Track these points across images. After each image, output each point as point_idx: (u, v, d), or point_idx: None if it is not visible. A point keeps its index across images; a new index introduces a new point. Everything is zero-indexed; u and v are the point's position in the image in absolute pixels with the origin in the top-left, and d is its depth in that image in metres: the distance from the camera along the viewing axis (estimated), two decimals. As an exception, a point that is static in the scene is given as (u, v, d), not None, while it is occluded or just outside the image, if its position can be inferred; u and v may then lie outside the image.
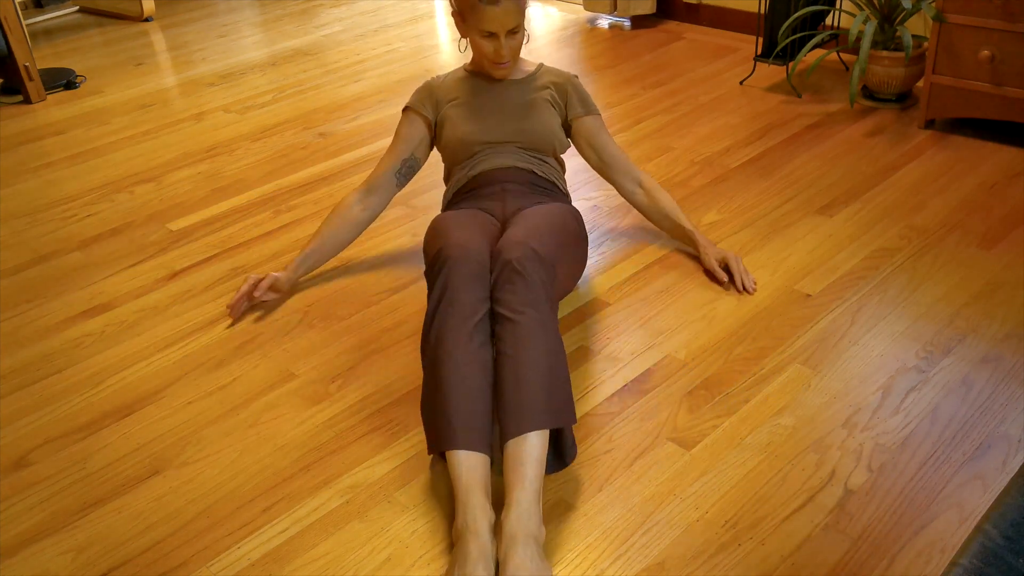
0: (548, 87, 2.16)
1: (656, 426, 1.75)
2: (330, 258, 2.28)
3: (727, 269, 2.19)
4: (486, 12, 1.96)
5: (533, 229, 1.84)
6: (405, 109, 2.21)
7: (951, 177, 2.58)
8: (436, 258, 1.75)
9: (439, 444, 1.56)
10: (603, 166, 2.24)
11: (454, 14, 2.07)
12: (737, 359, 1.92)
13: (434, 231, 1.93)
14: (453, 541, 1.48)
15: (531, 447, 1.52)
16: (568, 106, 2.18)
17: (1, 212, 2.80)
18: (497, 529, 1.46)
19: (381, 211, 2.28)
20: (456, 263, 1.71)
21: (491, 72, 2.10)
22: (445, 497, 1.62)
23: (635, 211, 2.51)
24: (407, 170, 2.24)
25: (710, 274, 2.21)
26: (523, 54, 3.76)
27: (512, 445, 1.53)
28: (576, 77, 2.21)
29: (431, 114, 2.18)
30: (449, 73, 2.22)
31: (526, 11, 2.13)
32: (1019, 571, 0.88)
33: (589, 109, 2.19)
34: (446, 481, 1.66)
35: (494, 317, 1.69)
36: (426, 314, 1.71)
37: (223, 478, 1.70)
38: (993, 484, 1.57)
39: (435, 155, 2.83)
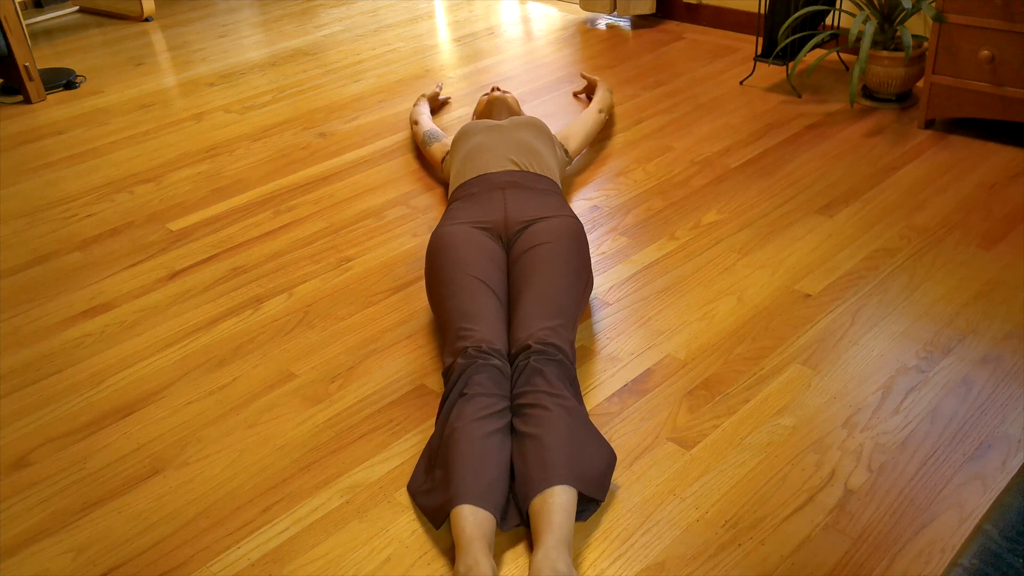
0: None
1: (656, 426, 1.75)
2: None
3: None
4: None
5: (548, 301, 1.81)
6: None
7: (951, 177, 2.59)
8: (455, 361, 1.71)
9: (446, 506, 1.49)
10: (575, 140, 2.70)
11: None
12: (737, 359, 1.92)
13: (441, 272, 1.90)
14: None
15: (557, 498, 1.45)
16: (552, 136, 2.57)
17: (1, 212, 2.80)
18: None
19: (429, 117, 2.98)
20: (478, 368, 1.67)
21: (488, 113, 2.65)
22: (445, 497, 1.61)
23: (635, 211, 2.51)
24: (436, 132, 2.82)
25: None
26: (524, 57, 3.77)
27: (537, 501, 1.47)
28: None
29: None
30: None
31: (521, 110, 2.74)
32: (1019, 571, 0.88)
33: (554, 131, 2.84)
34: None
35: (515, 410, 1.65)
36: (441, 408, 1.68)
37: (223, 478, 1.70)
38: (993, 484, 1.57)
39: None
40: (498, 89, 2.74)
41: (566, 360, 1.71)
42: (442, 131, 2.86)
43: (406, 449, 1.74)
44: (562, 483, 1.47)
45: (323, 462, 1.72)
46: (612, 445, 1.70)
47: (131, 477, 1.72)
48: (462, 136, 2.41)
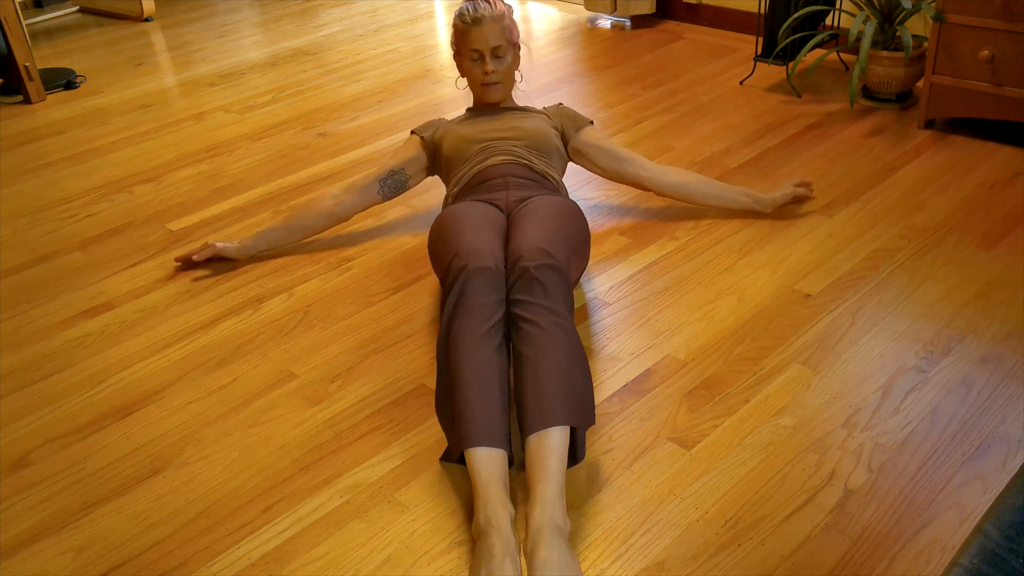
0: (542, 113, 2.34)
1: (656, 426, 1.75)
2: (288, 241, 2.40)
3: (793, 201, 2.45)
4: (471, 33, 2.18)
5: (544, 228, 1.86)
6: (411, 133, 2.39)
7: (951, 177, 2.59)
8: (450, 265, 1.76)
9: (459, 444, 1.57)
10: (621, 164, 2.35)
11: (455, 56, 2.29)
12: (737, 359, 1.92)
13: (443, 228, 1.94)
14: (474, 537, 1.49)
15: (553, 441, 1.54)
16: (564, 128, 2.33)
17: (1, 212, 2.80)
18: (523, 523, 1.51)
19: (355, 212, 2.39)
20: (472, 272, 1.72)
21: (484, 97, 2.26)
22: (445, 497, 1.62)
23: (635, 211, 2.51)
24: (393, 182, 2.35)
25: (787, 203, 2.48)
26: (524, 57, 3.77)
27: (533, 440, 1.55)
28: (562, 104, 2.38)
29: (429, 135, 2.33)
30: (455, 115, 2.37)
31: (513, 38, 2.24)
32: (1019, 571, 0.88)
33: (582, 123, 2.35)
34: (448, 480, 1.66)
35: (511, 321, 1.71)
36: (441, 320, 1.72)
37: (223, 478, 1.70)
38: (993, 484, 1.57)
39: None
40: (492, 66, 2.21)
41: (562, 268, 1.75)
42: (387, 169, 2.35)
43: (406, 449, 1.74)
44: (558, 423, 1.55)
45: (323, 462, 1.72)
46: (612, 445, 1.71)
47: (131, 477, 1.72)
48: (456, 143, 2.24)
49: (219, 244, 2.36)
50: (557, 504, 1.46)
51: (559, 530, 1.42)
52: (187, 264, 2.40)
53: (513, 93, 2.45)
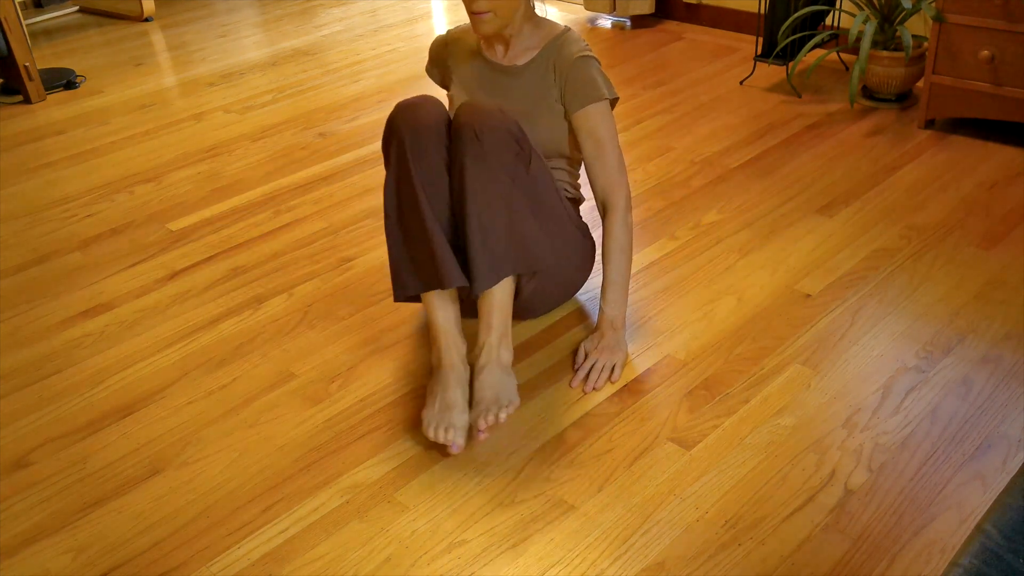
0: (554, 81, 1.91)
1: (656, 426, 1.75)
2: None
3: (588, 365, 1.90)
4: None
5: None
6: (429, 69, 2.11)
7: (951, 177, 2.59)
8: (390, 120, 1.80)
9: (424, 286, 1.76)
10: (589, 169, 1.97)
11: None
12: (737, 359, 1.92)
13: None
14: (432, 367, 1.81)
15: (493, 298, 1.77)
16: (566, 102, 1.91)
17: (1, 212, 2.80)
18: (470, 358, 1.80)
19: None
20: (408, 122, 1.75)
21: (473, 28, 1.84)
22: (445, 497, 1.62)
23: (635, 211, 2.51)
24: None
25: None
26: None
27: (481, 297, 1.77)
28: (583, 59, 1.89)
29: (439, 80, 2.09)
30: (467, 33, 2.02)
31: None
32: (1019, 571, 0.88)
33: (589, 100, 1.89)
34: (448, 480, 1.66)
35: (454, 176, 1.76)
36: (389, 178, 1.78)
37: (223, 478, 1.70)
38: (993, 484, 1.57)
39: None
40: (481, 12, 1.82)
41: (509, 142, 1.72)
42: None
43: (406, 449, 1.74)
44: (493, 285, 1.74)
45: (323, 462, 1.72)
46: (612, 445, 1.71)
47: (131, 477, 1.72)
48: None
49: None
50: (497, 347, 1.76)
51: (499, 362, 1.76)
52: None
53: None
